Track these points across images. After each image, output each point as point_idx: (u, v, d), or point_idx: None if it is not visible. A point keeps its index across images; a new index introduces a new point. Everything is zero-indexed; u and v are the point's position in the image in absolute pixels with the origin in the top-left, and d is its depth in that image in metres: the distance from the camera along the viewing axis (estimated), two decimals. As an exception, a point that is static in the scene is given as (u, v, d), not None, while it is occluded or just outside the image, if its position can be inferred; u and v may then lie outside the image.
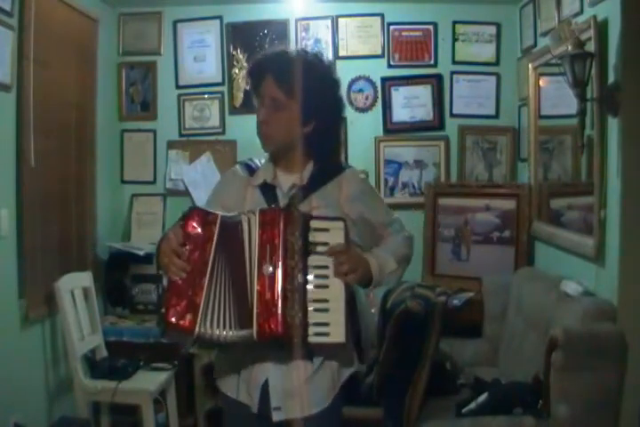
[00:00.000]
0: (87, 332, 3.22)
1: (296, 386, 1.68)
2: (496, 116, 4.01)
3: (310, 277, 1.60)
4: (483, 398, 2.62)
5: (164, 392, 3.31)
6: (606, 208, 2.59)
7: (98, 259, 3.74)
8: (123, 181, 4.09)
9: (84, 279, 3.31)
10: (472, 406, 2.62)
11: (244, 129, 3.98)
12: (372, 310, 2.98)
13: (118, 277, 3.73)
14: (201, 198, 3.96)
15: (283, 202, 1.75)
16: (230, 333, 1.57)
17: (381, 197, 2.02)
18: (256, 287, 1.57)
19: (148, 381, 3.15)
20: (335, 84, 1.81)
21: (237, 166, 1.90)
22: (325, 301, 1.60)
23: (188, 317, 1.55)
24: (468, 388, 2.91)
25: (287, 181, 1.79)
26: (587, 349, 2.28)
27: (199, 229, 1.60)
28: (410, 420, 2.67)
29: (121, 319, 3.65)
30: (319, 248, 1.61)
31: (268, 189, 1.79)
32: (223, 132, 4.08)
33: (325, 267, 1.61)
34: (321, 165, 1.80)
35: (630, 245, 2.40)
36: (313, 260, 1.61)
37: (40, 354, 3.10)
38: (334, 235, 1.62)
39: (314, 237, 1.61)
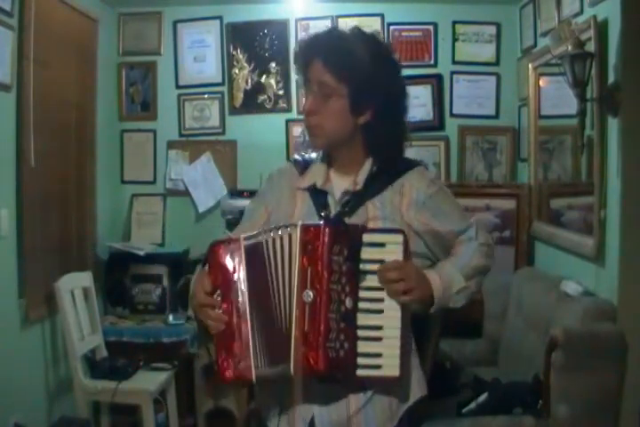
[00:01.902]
0: (87, 332, 3.21)
1: (345, 419, 1.47)
2: (496, 116, 4.00)
3: (362, 300, 1.39)
4: (483, 398, 2.62)
5: (164, 392, 3.31)
6: (606, 208, 2.59)
7: (98, 259, 3.74)
8: (123, 181, 4.08)
9: (84, 279, 3.31)
10: (472, 406, 2.62)
11: (244, 129, 4.00)
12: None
13: (118, 278, 3.73)
14: (201, 198, 3.97)
15: (334, 211, 1.53)
16: (266, 368, 1.40)
17: (454, 199, 1.64)
18: (294, 317, 1.37)
19: (148, 381, 3.15)
20: (395, 65, 1.58)
21: (287, 163, 1.68)
22: (379, 328, 1.39)
23: (242, 365, 1.40)
24: (468, 388, 2.90)
25: (341, 186, 1.55)
26: (587, 349, 2.28)
27: (225, 267, 1.44)
28: (410, 420, 2.66)
29: (121, 319, 3.64)
30: (373, 267, 1.40)
31: (319, 195, 1.55)
32: (223, 133, 4.07)
33: (380, 289, 1.39)
34: (381, 164, 1.55)
35: (630, 245, 2.40)
36: (366, 280, 1.40)
37: (40, 354, 3.10)
38: (391, 251, 1.40)
39: (367, 253, 1.40)
